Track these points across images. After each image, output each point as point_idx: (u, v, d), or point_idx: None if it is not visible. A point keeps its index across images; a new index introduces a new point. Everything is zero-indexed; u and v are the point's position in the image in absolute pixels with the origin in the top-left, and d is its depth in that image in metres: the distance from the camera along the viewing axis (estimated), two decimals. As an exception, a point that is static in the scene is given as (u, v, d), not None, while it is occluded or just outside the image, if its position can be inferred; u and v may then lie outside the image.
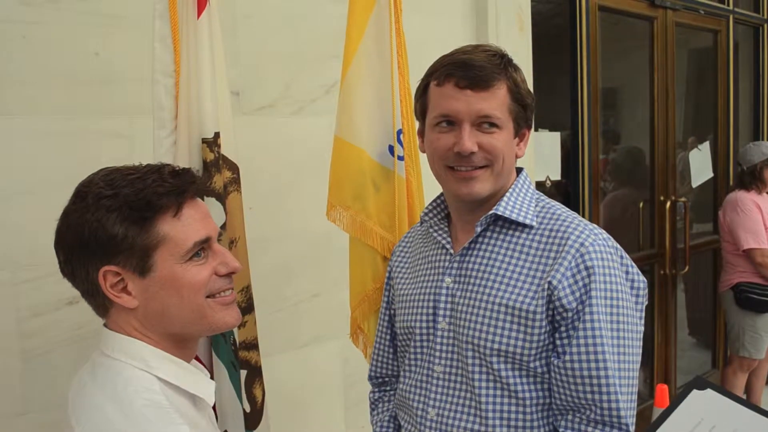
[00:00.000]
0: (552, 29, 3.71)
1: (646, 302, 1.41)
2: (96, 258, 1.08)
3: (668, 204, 4.29)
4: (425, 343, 1.51)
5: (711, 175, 4.74)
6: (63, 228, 1.10)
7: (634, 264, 1.40)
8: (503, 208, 1.41)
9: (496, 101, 1.37)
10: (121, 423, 1.02)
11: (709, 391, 1.20)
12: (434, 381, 1.48)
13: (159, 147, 1.72)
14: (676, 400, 1.21)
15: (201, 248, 1.12)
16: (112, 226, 1.06)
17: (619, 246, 1.40)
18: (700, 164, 4.64)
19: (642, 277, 1.40)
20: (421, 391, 1.51)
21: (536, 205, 1.45)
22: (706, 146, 4.70)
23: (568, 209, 1.46)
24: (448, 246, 1.49)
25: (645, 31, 4.18)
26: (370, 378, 1.81)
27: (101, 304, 1.13)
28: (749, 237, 4.03)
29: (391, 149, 1.99)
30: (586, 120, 3.70)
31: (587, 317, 1.31)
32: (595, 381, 1.30)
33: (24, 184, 1.90)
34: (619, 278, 1.35)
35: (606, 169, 4.23)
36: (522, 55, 3.15)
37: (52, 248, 1.89)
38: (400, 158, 1.99)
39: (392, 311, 1.70)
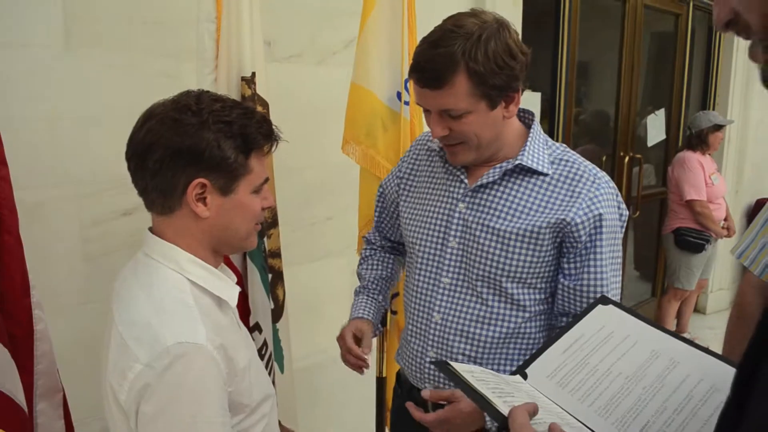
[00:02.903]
0: (539, 5, 3.57)
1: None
2: (196, 168, 1.03)
3: (627, 159, 4.22)
4: (434, 257, 1.43)
5: (664, 137, 4.65)
6: (169, 131, 1.03)
7: (622, 199, 1.40)
8: (526, 159, 1.34)
9: (452, 96, 1.24)
10: (150, 313, 1.01)
11: (611, 306, 1.17)
12: (440, 290, 1.42)
13: (202, 83, 1.65)
14: (582, 313, 1.18)
15: (262, 185, 1.14)
16: (227, 150, 1.04)
17: (614, 185, 1.38)
18: (655, 127, 4.56)
19: (626, 211, 1.40)
20: (426, 297, 1.45)
21: (547, 151, 1.38)
22: (661, 112, 4.60)
23: (573, 152, 1.39)
24: (463, 177, 1.40)
25: (617, 11, 4.03)
26: (368, 240, 1.74)
27: (171, 205, 1.06)
28: (692, 190, 4.01)
29: (399, 95, 1.92)
30: (563, 86, 3.61)
31: (597, 250, 1.33)
32: (594, 297, 1.34)
33: (89, 111, 1.83)
34: (617, 217, 1.36)
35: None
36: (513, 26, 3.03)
37: (111, 167, 1.86)
38: (406, 103, 1.92)
39: (391, 212, 1.63)
